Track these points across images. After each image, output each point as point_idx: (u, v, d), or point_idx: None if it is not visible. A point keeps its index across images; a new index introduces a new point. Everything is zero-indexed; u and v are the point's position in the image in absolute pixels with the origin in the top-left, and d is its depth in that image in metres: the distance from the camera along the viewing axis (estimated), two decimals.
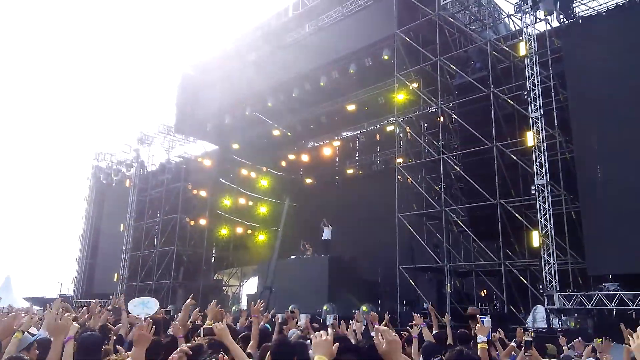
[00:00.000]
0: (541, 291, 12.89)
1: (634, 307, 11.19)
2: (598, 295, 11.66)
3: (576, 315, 12.02)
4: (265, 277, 18.88)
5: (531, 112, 13.63)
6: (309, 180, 27.83)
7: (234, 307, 21.79)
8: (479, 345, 4.10)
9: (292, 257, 20.78)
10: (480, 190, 14.62)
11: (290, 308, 16.88)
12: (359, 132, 25.58)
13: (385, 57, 17.80)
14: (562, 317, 12.35)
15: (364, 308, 15.21)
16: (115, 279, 27.38)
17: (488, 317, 5.62)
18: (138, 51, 75.09)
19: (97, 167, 31.63)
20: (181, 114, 25.99)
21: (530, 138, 13.53)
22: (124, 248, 27.45)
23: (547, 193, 12.99)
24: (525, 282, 13.95)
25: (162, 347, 4.41)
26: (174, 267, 24.92)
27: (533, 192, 13.57)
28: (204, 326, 4.07)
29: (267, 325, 7.58)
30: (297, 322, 9.10)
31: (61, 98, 69.77)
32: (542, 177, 13.14)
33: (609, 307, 11.48)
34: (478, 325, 4.57)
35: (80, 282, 30.63)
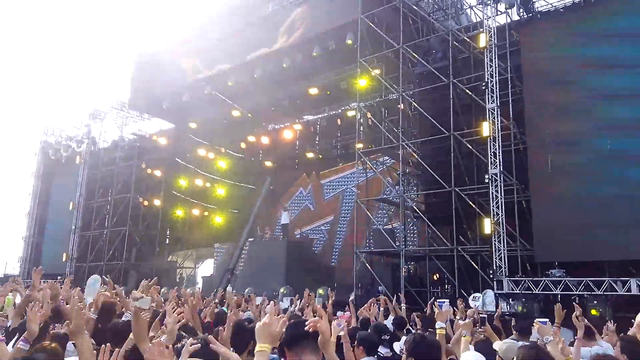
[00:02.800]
0: (491, 276, 13.40)
1: (577, 292, 11.82)
2: (545, 281, 12.22)
3: (524, 299, 12.57)
4: (229, 259, 18.78)
5: (488, 103, 13.97)
6: (268, 163, 27.61)
7: (189, 290, 21.50)
8: (438, 331, 4.16)
9: (250, 239, 20.67)
10: (437, 177, 14.95)
11: (246, 291, 16.88)
12: (320, 116, 25.52)
13: (349, 41, 17.74)
14: (511, 302, 12.89)
15: (320, 291, 15.36)
16: (64, 259, 26.40)
17: (446, 302, 5.75)
18: (94, 23, 71.63)
19: (46, 142, 30.16)
20: (136, 89, 25.05)
21: (486, 128, 13.90)
22: (74, 227, 26.44)
23: (500, 182, 13.42)
24: (476, 267, 14.43)
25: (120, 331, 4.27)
26: (126, 248, 24.26)
27: (487, 181, 13.99)
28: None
29: (224, 309, 7.54)
30: (255, 305, 9.07)
31: (10, 68, 65.79)
32: (496, 166, 13.55)
33: (554, 292, 12.05)
34: (437, 310, 4.66)
35: (26, 261, 29.31)
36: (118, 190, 25.45)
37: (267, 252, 18.97)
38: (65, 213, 27.51)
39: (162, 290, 20.34)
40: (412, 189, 17.49)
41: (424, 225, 16.90)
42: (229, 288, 10.14)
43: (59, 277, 26.22)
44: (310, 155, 26.32)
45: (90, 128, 27.86)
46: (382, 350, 4.69)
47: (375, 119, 18.12)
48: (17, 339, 3.81)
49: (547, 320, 3.85)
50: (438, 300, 5.88)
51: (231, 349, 3.37)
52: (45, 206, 29.97)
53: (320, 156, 26.20)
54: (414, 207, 16.39)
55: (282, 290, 15.91)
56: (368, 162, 17.32)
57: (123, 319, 4.55)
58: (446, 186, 14.61)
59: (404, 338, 4.98)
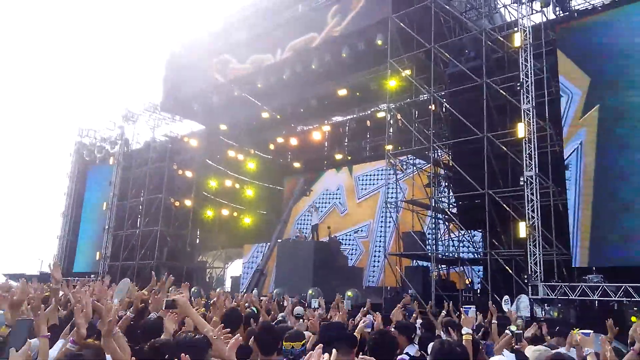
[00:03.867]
0: (525, 281, 13.05)
1: (615, 298, 11.40)
2: (582, 286, 11.83)
3: (559, 305, 12.20)
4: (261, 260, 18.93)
5: (523, 104, 13.64)
6: (297, 165, 27.66)
7: (217, 289, 21.73)
8: (464, 337, 4.07)
9: (279, 240, 20.72)
10: (469, 180, 14.66)
11: (275, 292, 16.94)
12: (349, 117, 25.42)
13: (379, 42, 17.60)
14: (546, 307, 12.53)
15: (349, 294, 15.27)
16: (97, 258, 27.07)
17: (473, 308, 5.61)
18: (126, 26, 73.43)
19: (80, 144, 31.01)
20: (168, 92, 25.48)
21: (521, 129, 13.56)
22: (107, 227, 27.07)
23: (536, 185, 13.08)
24: (510, 271, 14.09)
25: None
26: (158, 248, 24.68)
27: (522, 183, 13.65)
28: (165, 299, 3.92)
29: (254, 309, 7.54)
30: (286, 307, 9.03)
31: (45, 72, 68.08)
32: (531, 169, 13.22)
33: (591, 298, 11.66)
34: (463, 316, 4.56)
35: (61, 260, 30.16)
36: (150, 190, 25.95)
37: (296, 253, 18.96)
38: (99, 213, 28.24)
39: (193, 289, 20.72)
40: (444, 191, 17.20)
41: (455, 228, 16.63)
42: (254, 291, 10.16)
43: (92, 276, 27.00)
44: (339, 156, 26.23)
45: (124, 130, 28.50)
46: (411, 351, 4.61)
47: (405, 120, 17.90)
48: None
49: (592, 332, 3.68)
50: (464, 306, 5.73)
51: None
52: (79, 206, 30.79)
53: (349, 157, 26.09)
54: (446, 210, 16.11)
55: (310, 292, 15.84)
56: (398, 164, 17.12)
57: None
58: (479, 189, 14.31)
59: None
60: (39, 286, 8.88)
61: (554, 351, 3.72)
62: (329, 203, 26.26)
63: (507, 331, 5.01)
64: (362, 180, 24.95)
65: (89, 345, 2.89)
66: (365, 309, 7.88)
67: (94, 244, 28.24)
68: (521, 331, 5.43)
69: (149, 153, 26.74)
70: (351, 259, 23.01)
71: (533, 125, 13.40)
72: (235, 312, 4.83)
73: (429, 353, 4.70)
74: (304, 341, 3.62)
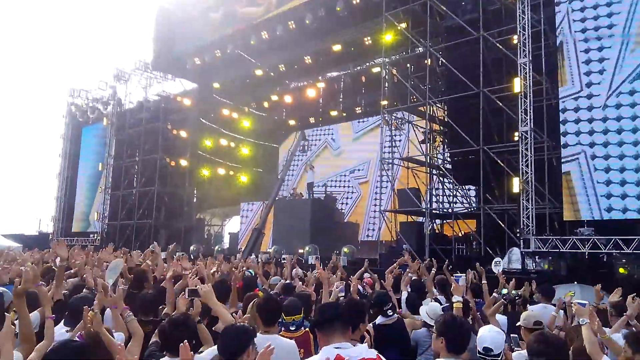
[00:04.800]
0: (518, 235, 13.31)
1: (605, 251, 11.68)
2: (573, 239, 12.08)
3: (550, 258, 12.50)
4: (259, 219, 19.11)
5: (520, 58, 13.47)
6: (292, 122, 27.49)
7: (217, 247, 22.09)
8: (455, 305, 4.16)
9: (277, 198, 20.84)
10: (464, 136, 14.67)
11: (272, 250, 17.24)
12: (344, 72, 25.05)
13: None
14: (537, 260, 12.84)
15: (345, 250, 15.56)
16: (95, 218, 27.30)
17: (463, 276, 5.76)
18: None
19: (73, 104, 30.63)
20: (159, 50, 24.95)
21: (517, 84, 13.46)
22: (103, 187, 27.16)
23: (530, 140, 13.11)
24: (503, 225, 14.34)
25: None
26: (155, 207, 24.84)
27: (516, 138, 13.67)
28: (188, 287, 4.04)
29: (250, 272, 7.70)
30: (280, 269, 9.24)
31: (33, 32, 66.16)
32: (527, 124, 13.20)
33: (582, 250, 11.92)
34: (453, 285, 4.64)
35: (59, 221, 30.45)
36: (145, 151, 25.85)
37: (292, 211, 19.17)
38: (95, 174, 28.25)
39: (192, 247, 21.06)
40: (439, 147, 17.24)
41: (450, 184, 16.77)
42: (252, 257, 10.34)
43: (91, 235, 27.32)
44: (334, 113, 26.06)
45: (116, 90, 28.10)
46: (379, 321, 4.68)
47: (400, 75, 17.68)
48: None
49: (587, 302, 3.78)
50: (455, 274, 5.88)
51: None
52: (75, 167, 30.72)
53: (344, 114, 25.92)
54: (441, 167, 16.20)
55: (307, 248, 16.16)
56: (393, 120, 17.06)
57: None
58: (474, 145, 14.34)
59: (425, 306, 5.01)
60: (40, 255, 9.01)
61: (538, 330, 3.79)
62: (320, 140, 26.33)
63: (494, 294, 5.14)
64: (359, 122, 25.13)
65: (92, 335, 2.96)
66: (362, 269, 8.02)
67: (91, 204, 28.40)
68: (514, 294, 5.52)
69: (142, 113, 26.46)
70: (346, 204, 23.31)
71: (529, 79, 13.29)
72: (224, 283, 4.97)
73: (420, 314, 4.86)
74: (300, 315, 3.80)
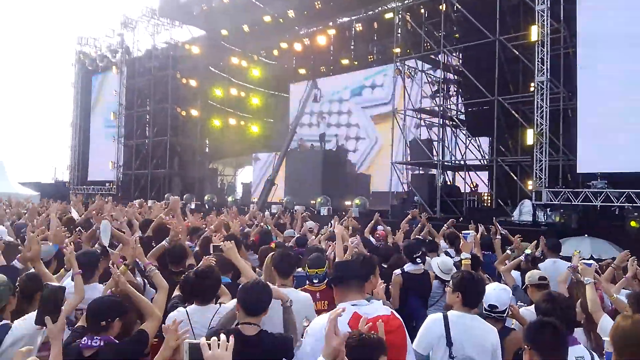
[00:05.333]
0: (530, 187, 13.29)
1: (617, 204, 11.65)
2: (585, 192, 12.04)
3: (561, 210, 12.52)
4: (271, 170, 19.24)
5: (537, 4, 12.91)
6: (302, 71, 26.99)
7: (230, 197, 22.42)
8: (463, 262, 4.25)
9: (289, 150, 20.84)
10: (479, 86, 14.35)
11: (285, 200, 17.46)
12: (355, 17, 24.23)
13: None
14: (548, 212, 12.87)
15: (357, 201, 15.71)
16: (110, 167, 27.66)
17: (471, 233, 5.81)
18: None
19: (82, 53, 30.29)
20: None
21: (534, 32, 12.98)
22: (116, 137, 27.35)
23: (546, 90, 12.80)
24: (515, 177, 14.31)
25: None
26: (169, 157, 25.09)
27: (532, 89, 13.36)
28: (213, 243, 4.18)
29: (267, 227, 7.87)
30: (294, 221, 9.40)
31: None
32: (543, 73, 12.85)
33: (594, 203, 11.90)
34: (462, 242, 4.73)
35: (74, 169, 30.92)
36: (156, 100, 25.77)
37: (304, 162, 19.22)
38: (107, 122, 28.34)
39: (206, 197, 21.41)
40: (452, 97, 16.93)
41: (462, 135, 16.61)
42: (266, 213, 10.45)
43: (107, 184, 27.82)
44: (345, 61, 25.45)
45: (123, 37, 27.65)
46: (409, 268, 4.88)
47: (414, 22, 17.08)
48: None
49: (593, 262, 3.84)
50: (463, 231, 5.94)
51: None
52: (87, 116, 30.81)
53: (356, 62, 25.33)
54: (453, 118, 15.98)
55: (319, 200, 16.31)
56: (406, 70, 16.67)
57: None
58: (489, 95, 14.06)
59: (436, 259, 5.15)
60: (60, 207, 9.26)
61: (543, 285, 3.88)
62: (330, 92, 26.00)
63: (508, 251, 5.23)
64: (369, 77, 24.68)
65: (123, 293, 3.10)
66: (372, 222, 8.12)
67: (105, 153, 28.64)
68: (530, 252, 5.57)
69: (151, 61, 26.15)
70: (356, 155, 23.36)
71: (547, 27, 12.79)
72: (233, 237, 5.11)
73: (432, 267, 5.01)
74: (325, 265, 3.91)
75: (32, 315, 2.45)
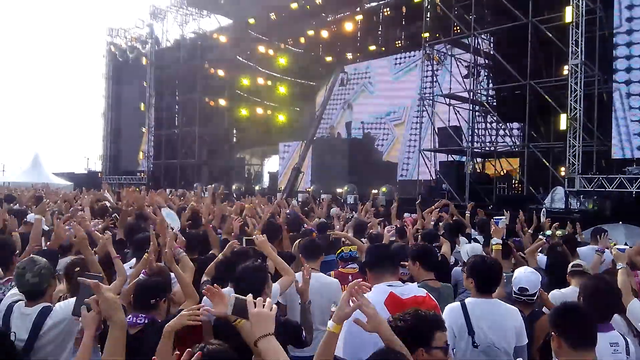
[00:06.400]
0: (562, 173, 12.94)
1: None
2: (620, 178, 11.63)
3: (595, 197, 12.16)
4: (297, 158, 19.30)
5: None
6: (329, 58, 26.82)
7: (257, 186, 22.62)
8: (493, 247, 4.16)
9: (315, 138, 20.82)
10: (510, 70, 13.98)
11: (312, 189, 17.50)
12: (382, 2, 23.82)
13: None
14: (581, 199, 12.52)
15: (383, 189, 15.61)
16: (140, 157, 28.27)
17: (503, 219, 5.72)
18: None
19: (112, 44, 30.87)
20: None
21: (568, 13, 12.52)
22: (147, 127, 27.89)
23: (581, 74, 12.37)
24: (547, 164, 13.95)
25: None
26: (197, 147, 25.46)
27: (565, 72, 12.95)
28: (245, 237, 4.22)
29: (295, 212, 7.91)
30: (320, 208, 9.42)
31: None
32: (577, 56, 12.42)
33: (629, 190, 11.50)
34: (493, 227, 4.64)
35: (107, 159, 31.70)
36: (184, 90, 26.14)
37: (331, 150, 19.15)
38: (137, 113, 28.88)
39: (234, 186, 21.67)
40: (483, 82, 16.56)
41: (493, 121, 16.27)
42: (294, 201, 10.52)
43: (138, 174, 28.44)
44: (372, 47, 25.13)
45: (152, 28, 28.05)
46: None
47: (444, 5, 16.69)
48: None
49: (627, 247, 3.74)
50: (495, 217, 5.82)
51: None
52: (119, 106, 31.46)
53: (384, 48, 24.99)
54: (484, 103, 15.65)
55: (345, 188, 16.26)
56: (435, 54, 16.37)
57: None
58: (521, 79, 13.68)
59: (466, 246, 5.08)
60: (97, 195, 9.54)
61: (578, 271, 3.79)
62: (358, 83, 25.82)
63: (540, 236, 5.12)
64: (398, 62, 24.30)
65: (158, 271, 3.19)
66: (394, 211, 7.92)
67: (136, 143, 29.27)
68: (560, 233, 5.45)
69: (179, 52, 26.50)
70: (381, 145, 23.14)
71: (582, 8, 12.32)
72: (274, 225, 5.18)
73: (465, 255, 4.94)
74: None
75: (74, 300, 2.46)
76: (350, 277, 3.74)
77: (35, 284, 2.69)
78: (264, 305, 1.75)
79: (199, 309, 2.26)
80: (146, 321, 2.64)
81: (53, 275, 2.88)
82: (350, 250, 4.04)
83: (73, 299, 2.42)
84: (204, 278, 3.55)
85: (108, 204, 7.91)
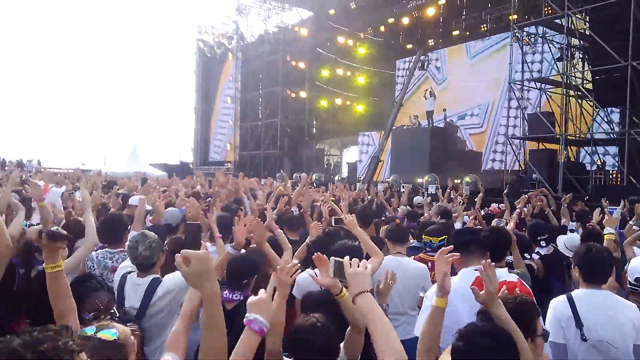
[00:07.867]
0: None
1: None
2: None
3: None
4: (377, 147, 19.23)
5: None
6: (409, 46, 26.29)
7: (336, 176, 22.84)
8: (606, 237, 3.97)
9: (394, 127, 20.59)
10: (609, 50, 12.90)
11: (391, 179, 17.38)
12: None
13: None
14: None
15: (467, 179, 15.14)
16: (228, 149, 29.70)
17: (618, 209, 5.33)
18: None
19: (201, 40, 32.54)
20: None
21: None
22: (234, 120, 29.20)
23: None
24: None
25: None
26: (279, 138, 26.22)
27: None
28: (334, 216, 4.34)
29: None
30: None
31: None
32: None
33: None
34: (607, 216, 4.38)
35: (197, 151, 33.64)
36: (267, 83, 27.00)
37: (411, 139, 18.84)
38: (225, 106, 30.35)
39: (314, 176, 22.05)
40: (578, 65, 15.44)
41: (589, 106, 15.16)
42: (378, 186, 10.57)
43: (225, 164, 29.87)
44: (455, 32, 24.21)
45: (238, 24, 29.21)
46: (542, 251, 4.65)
47: None
48: None
49: (618, 208, 3.46)
50: (610, 207, 5.46)
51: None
52: (208, 100, 33.24)
53: (467, 33, 24.02)
54: (580, 87, 14.60)
55: (426, 178, 15.96)
56: (525, 36, 15.49)
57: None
58: (621, 61, 12.60)
59: (573, 235, 4.84)
60: (191, 182, 10.24)
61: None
62: (440, 71, 24.89)
63: (635, 227, 4.77)
64: (482, 48, 23.20)
65: (253, 250, 3.40)
66: (479, 201, 7.68)
67: (223, 135, 30.78)
68: None
69: (263, 46, 27.39)
70: (465, 134, 22.27)
71: None
72: (368, 210, 5.31)
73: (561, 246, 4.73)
74: (442, 237, 3.93)
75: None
76: (429, 264, 3.73)
77: (147, 257, 2.91)
78: (358, 266, 1.87)
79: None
80: (241, 298, 2.79)
81: (162, 250, 3.06)
82: (430, 241, 4.00)
83: (178, 273, 2.65)
84: (294, 261, 3.69)
85: (200, 188, 8.47)
